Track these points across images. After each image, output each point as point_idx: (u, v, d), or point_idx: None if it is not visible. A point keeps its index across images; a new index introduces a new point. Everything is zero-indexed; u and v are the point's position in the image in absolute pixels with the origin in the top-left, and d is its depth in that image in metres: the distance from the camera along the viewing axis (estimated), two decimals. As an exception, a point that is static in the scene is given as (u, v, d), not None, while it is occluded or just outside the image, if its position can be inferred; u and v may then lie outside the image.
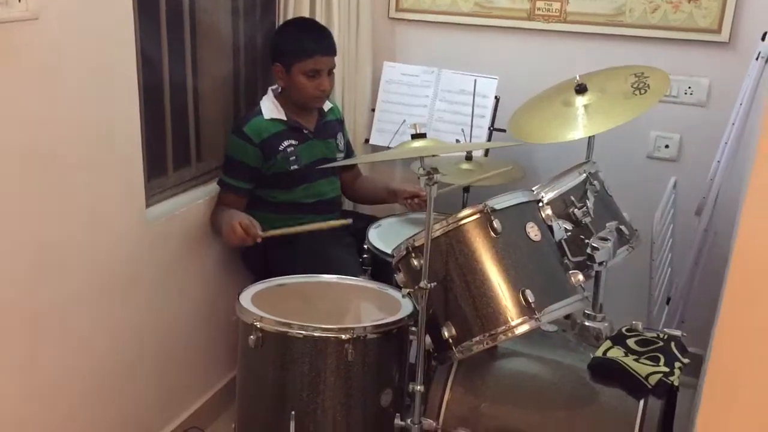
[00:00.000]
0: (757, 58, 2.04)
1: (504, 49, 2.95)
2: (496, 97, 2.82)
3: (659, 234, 2.31)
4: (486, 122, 2.80)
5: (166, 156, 2.37)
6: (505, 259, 1.63)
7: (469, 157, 2.57)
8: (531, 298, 1.59)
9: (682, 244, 2.67)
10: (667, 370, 1.77)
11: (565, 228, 1.82)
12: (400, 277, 1.83)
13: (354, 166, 2.69)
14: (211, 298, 2.51)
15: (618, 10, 2.76)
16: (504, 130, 2.83)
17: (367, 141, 2.99)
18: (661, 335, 1.94)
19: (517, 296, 1.61)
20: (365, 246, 2.35)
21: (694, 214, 2.27)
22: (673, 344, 1.89)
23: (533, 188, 1.92)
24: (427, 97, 2.92)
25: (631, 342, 1.91)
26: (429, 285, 1.61)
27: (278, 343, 1.77)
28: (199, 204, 2.38)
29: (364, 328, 1.77)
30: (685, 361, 1.84)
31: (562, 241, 1.81)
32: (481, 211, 1.64)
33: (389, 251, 2.25)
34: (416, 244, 1.69)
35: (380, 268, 2.33)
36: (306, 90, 2.35)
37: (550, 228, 1.77)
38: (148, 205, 2.16)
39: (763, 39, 2.45)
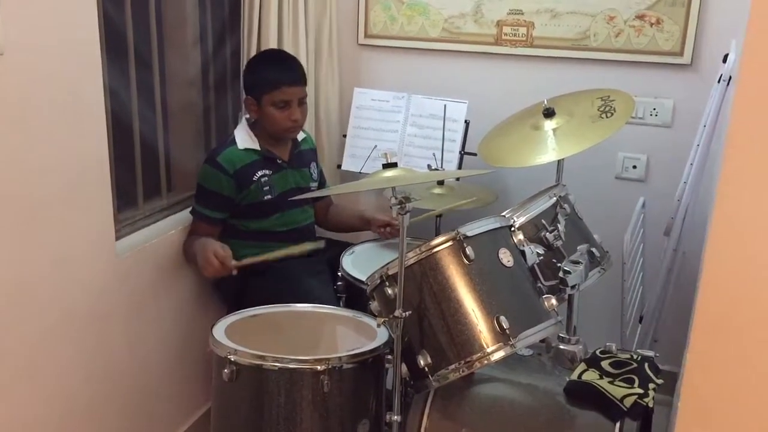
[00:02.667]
0: (719, 81, 2.08)
1: (472, 74, 2.98)
2: (465, 121, 2.84)
3: (630, 254, 2.34)
4: (456, 146, 2.82)
5: (136, 187, 2.35)
6: (479, 286, 1.64)
7: (441, 182, 2.58)
8: (506, 325, 1.59)
9: (653, 263, 2.70)
10: (641, 391, 1.78)
11: (537, 252, 1.83)
12: (374, 305, 1.82)
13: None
14: (184, 329, 2.48)
15: (583, 34, 2.81)
16: (474, 154, 2.85)
17: (339, 167, 2.99)
18: (635, 356, 1.95)
19: (491, 323, 1.61)
20: (339, 273, 2.35)
21: (663, 234, 2.30)
22: (646, 365, 1.91)
23: (504, 213, 1.93)
24: (398, 122, 2.94)
25: (605, 364, 1.92)
26: (404, 314, 1.61)
27: (253, 375, 1.76)
28: (171, 234, 2.36)
29: (340, 358, 1.76)
30: (659, 381, 1.85)
31: (535, 266, 1.81)
32: (453, 239, 1.65)
33: (363, 278, 2.26)
34: (390, 272, 1.69)
35: (355, 296, 2.32)
36: (277, 121, 2.36)
37: (523, 253, 1.78)
38: (118, 238, 2.14)
39: (724, 61, 2.51)
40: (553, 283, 1.87)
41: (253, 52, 2.57)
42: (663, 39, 2.72)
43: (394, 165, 1.62)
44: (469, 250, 1.63)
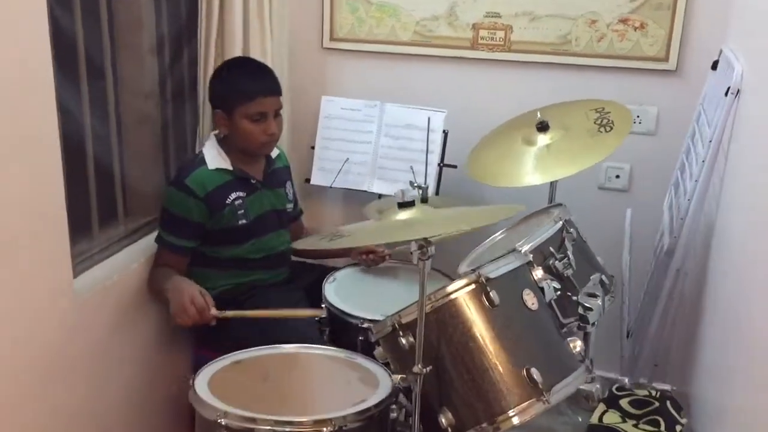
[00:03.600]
0: (726, 94, 1.97)
1: (447, 80, 2.81)
2: (444, 131, 2.67)
3: (627, 275, 2.22)
4: (435, 158, 2.65)
5: (90, 214, 2.09)
6: (505, 334, 1.47)
7: (424, 199, 2.40)
8: (537, 377, 1.43)
9: (638, 277, 2.60)
10: (669, 435, 1.66)
11: (554, 287, 1.68)
12: (380, 352, 1.64)
13: (298, 216, 2.47)
14: (150, 372, 2.24)
15: (563, 38, 2.67)
16: (455, 166, 2.70)
17: (308, 181, 2.78)
18: (653, 393, 1.83)
19: (521, 376, 1.45)
20: (322, 305, 2.14)
21: (665, 254, 2.19)
22: (668, 403, 1.79)
23: (497, 234, 1.77)
24: (371, 132, 2.74)
25: (624, 403, 1.80)
26: (424, 370, 1.43)
27: (247, 441, 1.54)
28: (134, 269, 2.11)
29: (344, 417, 1.56)
30: (684, 421, 1.74)
31: (552, 302, 1.66)
32: (476, 282, 1.47)
33: (350, 310, 2.08)
34: (404, 321, 1.50)
35: (339, 329, 2.12)
36: (252, 136, 2.12)
37: (542, 290, 1.62)
38: (75, 277, 1.88)
39: (713, 68, 2.42)
40: (572, 320, 1.72)
41: (212, 60, 2.33)
42: (647, 44, 2.61)
43: (411, 204, 1.42)
44: (493, 294, 1.46)
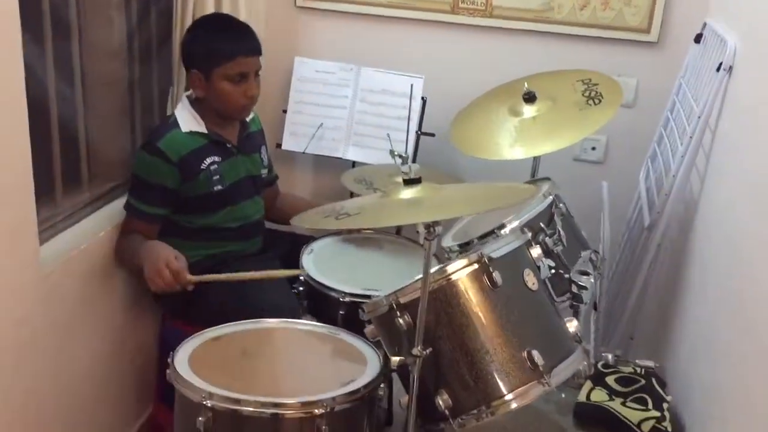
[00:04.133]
0: (718, 69, 1.95)
1: (425, 45, 2.73)
2: (422, 98, 2.60)
3: (607, 249, 2.21)
4: (413, 126, 2.58)
5: (54, 180, 1.95)
6: (506, 316, 1.43)
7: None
8: (538, 360, 1.40)
9: (612, 249, 2.60)
10: (658, 414, 1.66)
11: (549, 266, 1.64)
12: (370, 330, 1.58)
13: (274, 181, 2.38)
14: (117, 345, 2.14)
15: (546, 5, 2.61)
16: (433, 134, 2.64)
17: (279, 146, 2.68)
18: (638, 370, 1.82)
19: (521, 358, 1.41)
20: (301, 278, 2.07)
21: (645, 228, 2.18)
22: (653, 380, 1.78)
23: (505, 221, 1.72)
24: (346, 97, 2.65)
25: (611, 380, 1.79)
26: (424, 352, 1.38)
27: (233, 423, 1.48)
28: (101, 237, 1.99)
29: (334, 398, 1.50)
30: (669, 398, 1.74)
31: (547, 281, 1.62)
32: (478, 261, 1.42)
33: (330, 283, 2.01)
34: (402, 300, 1.44)
35: (318, 301, 2.05)
36: (232, 97, 2.01)
37: (538, 269, 1.58)
38: (41, 246, 1.76)
39: (696, 41, 2.40)
40: (564, 299, 1.69)
41: (189, 17, 2.19)
42: (630, 14, 2.57)
43: (417, 181, 1.35)
44: (496, 275, 1.41)
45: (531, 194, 1.37)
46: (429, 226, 1.29)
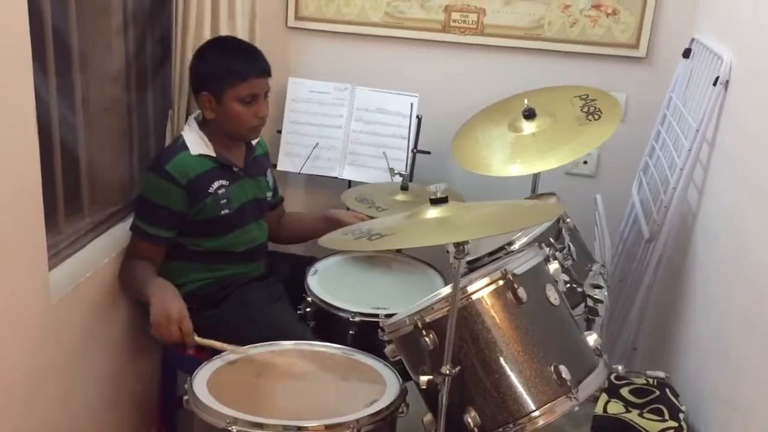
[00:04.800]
0: (714, 84, 1.99)
1: (418, 63, 2.75)
2: (418, 116, 2.61)
3: (608, 261, 2.24)
4: (408, 144, 2.59)
5: (57, 206, 1.92)
6: (532, 332, 1.44)
7: (405, 187, 2.35)
8: (565, 374, 1.41)
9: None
10: (676, 424, 1.68)
11: (564, 280, 1.65)
12: (390, 350, 1.58)
13: (279, 204, 2.37)
14: (121, 370, 2.11)
15: (536, 23, 2.65)
16: (428, 152, 2.65)
17: (274, 166, 2.66)
18: (651, 381, 1.84)
19: (548, 373, 1.42)
20: (308, 299, 2.06)
21: (646, 241, 2.21)
22: (667, 390, 1.80)
23: (514, 237, 1.74)
24: (341, 117, 2.65)
25: (625, 392, 1.81)
26: (453, 370, 1.38)
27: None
28: (105, 265, 1.96)
29: (358, 420, 1.50)
30: (684, 408, 1.76)
31: (562, 296, 1.64)
32: (502, 278, 1.43)
33: (339, 303, 2.01)
34: (427, 319, 1.44)
35: (325, 323, 2.05)
36: (243, 119, 2.01)
37: (556, 283, 1.59)
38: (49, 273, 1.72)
39: (685, 56, 2.45)
40: (579, 313, 1.71)
41: (190, 41, 2.18)
42: (619, 30, 2.62)
43: (444, 200, 1.36)
44: (521, 292, 1.42)
45: (560, 212, 1.38)
46: (458, 245, 1.29)
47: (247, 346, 1.76)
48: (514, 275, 1.43)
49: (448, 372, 1.37)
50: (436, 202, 1.36)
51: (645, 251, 2.26)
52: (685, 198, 2.18)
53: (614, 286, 2.61)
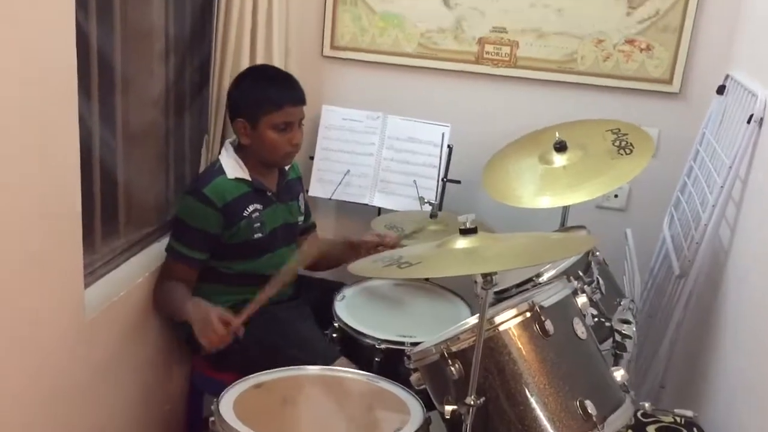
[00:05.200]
0: (748, 122, 1.99)
1: (450, 94, 2.78)
2: (449, 146, 2.63)
3: (637, 296, 2.22)
4: (439, 173, 2.61)
5: (94, 226, 1.97)
6: (558, 365, 1.43)
7: (433, 216, 2.36)
8: (592, 410, 1.40)
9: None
10: (703, 464, 1.65)
11: (592, 314, 1.65)
12: (416, 378, 1.58)
13: (312, 229, 2.39)
14: (148, 390, 2.14)
15: (570, 57, 2.67)
16: (458, 182, 2.67)
17: (306, 192, 2.70)
18: (678, 419, 1.82)
19: (574, 408, 1.41)
20: (335, 324, 2.08)
21: (677, 277, 2.20)
22: (695, 430, 1.78)
23: (543, 269, 1.74)
24: (373, 144, 2.69)
25: (651, 430, 1.78)
26: (478, 401, 1.38)
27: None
28: (139, 285, 2.00)
29: (384, 447, 1.50)
30: (712, 448, 1.73)
31: (590, 330, 1.63)
32: (530, 310, 1.43)
33: (365, 330, 2.02)
34: (453, 349, 1.45)
35: (351, 349, 2.06)
36: (277, 146, 2.05)
37: (584, 317, 1.59)
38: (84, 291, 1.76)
39: (719, 92, 2.45)
40: (607, 348, 1.70)
41: (229, 68, 2.23)
42: (652, 66, 2.62)
43: (473, 231, 1.37)
44: (548, 324, 1.42)
45: (591, 246, 1.38)
46: (486, 276, 1.30)
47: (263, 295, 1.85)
48: (541, 307, 1.43)
49: (472, 402, 1.37)
50: (465, 232, 1.38)
51: (675, 287, 2.24)
52: (717, 235, 2.16)
53: (643, 321, 2.59)
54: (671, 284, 2.28)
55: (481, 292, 1.32)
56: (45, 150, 1.48)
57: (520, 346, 1.43)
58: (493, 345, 1.44)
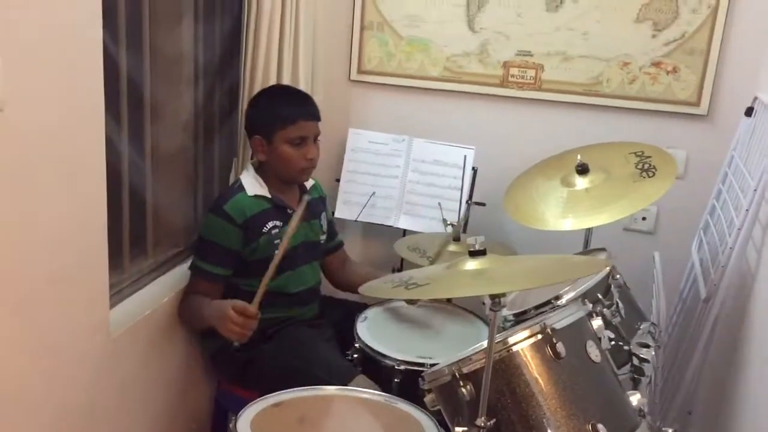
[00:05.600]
0: (774, 144, 1.97)
1: (476, 117, 2.80)
2: (473, 168, 2.65)
3: (663, 321, 2.19)
4: (463, 195, 2.62)
5: (122, 247, 2.03)
6: (570, 388, 1.43)
7: (456, 238, 2.37)
8: (604, 433, 1.39)
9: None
10: (724, 492, 1.61)
11: (609, 337, 1.64)
12: (430, 399, 1.59)
13: (339, 247, 2.42)
14: (174, 409, 2.18)
15: (595, 79, 2.67)
16: (484, 204, 2.68)
17: (332, 213, 2.73)
18: (701, 445, 1.78)
19: (586, 431, 1.40)
20: (357, 345, 2.10)
21: (703, 301, 2.17)
22: (717, 457, 1.74)
23: (561, 291, 1.73)
24: (398, 167, 2.72)
25: (673, 456, 1.75)
26: (488, 423, 1.38)
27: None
28: (164, 304, 2.05)
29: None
30: (734, 476, 1.69)
31: (606, 353, 1.62)
32: (541, 332, 1.43)
33: (385, 351, 2.04)
34: (464, 370, 1.45)
35: (372, 369, 2.07)
36: (292, 161, 2.10)
37: (599, 340, 1.58)
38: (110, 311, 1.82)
39: (748, 114, 2.42)
40: (625, 372, 1.69)
41: (257, 90, 2.29)
42: (679, 88, 2.61)
43: (482, 253, 1.39)
44: (559, 347, 1.42)
45: (602, 268, 1.38)
46: (495, 297, 1.31)
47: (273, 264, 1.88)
48: (553, 329, 1.43)
49: (482, 424, 1.38)
50: (474, 254, 1.39)
51: (702, 311, 2.21)
52: (744, 258, 2.13)
53: (672, 347, 2.55)
54: (698, 308, 2.25)
55: (489, 313, 1.33)
56: (72, 173, 1.54)
57: (532, 367, 1.43)
58: (504, 366, 1.44)
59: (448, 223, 2.38)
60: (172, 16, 2.11)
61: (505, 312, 1.98)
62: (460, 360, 1.47)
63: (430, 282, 1.37)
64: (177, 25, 2.13)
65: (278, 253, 1.92)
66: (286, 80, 2.42)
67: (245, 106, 2.28)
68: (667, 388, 2.44)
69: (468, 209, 2.65)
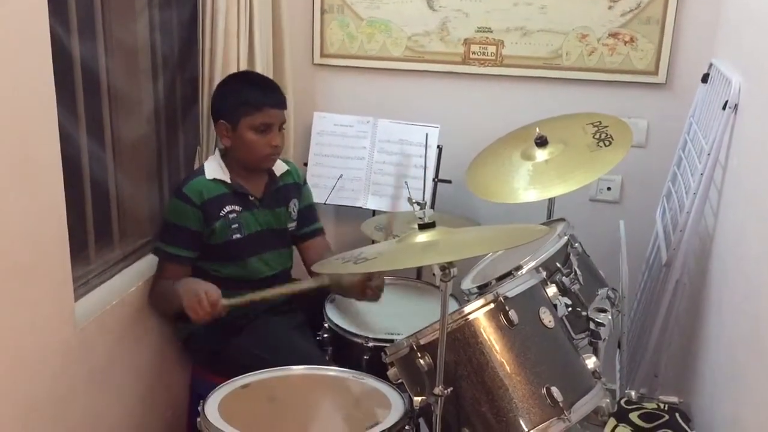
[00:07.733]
0: (724, 108, 2.00)
1: (439, 95, 2.82)
2: (438, 146, 2.67)
3: (626, 287, 2.23)
4: (429, 173, 2.65)
5: (87, 238, 2.04)
6: (524, 353, 1.47)
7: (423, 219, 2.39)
8: (558, 396, 1.43)
9: (631, 286, 2.62)
10: (683, 448, 1.66)
11: (566, 303, 1.67)
12: (393, 372, 1.62)
13: (316, 234, 2.41)
14: (148, 398, 2.20)
15: (554, 53, 2.69)
16: (449, 181, 2.70)
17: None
18: (662, 405, 1.84)
19: (541, 395, 1.44)
20: (325, 325, 2.12)
21: (663, 265, 2.21)
22: (677, 415, 1.79)
23: (522, 262, 1.77)
24: (365, 148, 2.74)
25: (634, 417, 1.80)
26: (445, 391, 1.41)
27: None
28: (132, 293, 2.06)
29: (362, 440, 1.54)
30: (694, 432, 1.74)
31: (564, 319, 1.66)
32: (494, 301, 1.47)
33: (353, 329, 2.06)
34: (422, 342, 1.48)
35: (343, 348, 2.11)
36: (255, 147, 2.11)
37: (555, 307, 1.62)
38: (75, 303, 1.83)
39: (704, 81, 2.46)
40: (582, 336, 1.73)
41: (217, 80, 2.29)
42: (637, 58, 2.64)
43: (432, 225, 1.41)
44: (512, 314, 1.45)
45: (543, 234, 1.42)
46: (444, 269, 1.34)
47: (264, 293, 1.98)
48: (505, 298, 1.47)
49: (440, 393, 1.41)
50: (423, 227, 1.42)
51: (664, 276, 2.25)
52: (703, 221, 2.17)
53: (641, 312, 2.60)
54: (661, 273, 2.29)
55: (440, 284, 1.36)
56: (25, 166, 1.54)
57: (487, 335, 1.46)
58: (461, 336, 1.47)
59: (414, 201, 2.39)
60: (127, 3, 2.11)
61: (469, 285, 2.02)
62: (417, 332, 1.51)
63: (378, 256, 1.40)
64: (132, 12, 2.13)
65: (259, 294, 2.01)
66: (244, 67, 2.42)
67: (206, 95, 2.29)
68: (637, 353, 2.49)
69: (435, 187, 2.68)
